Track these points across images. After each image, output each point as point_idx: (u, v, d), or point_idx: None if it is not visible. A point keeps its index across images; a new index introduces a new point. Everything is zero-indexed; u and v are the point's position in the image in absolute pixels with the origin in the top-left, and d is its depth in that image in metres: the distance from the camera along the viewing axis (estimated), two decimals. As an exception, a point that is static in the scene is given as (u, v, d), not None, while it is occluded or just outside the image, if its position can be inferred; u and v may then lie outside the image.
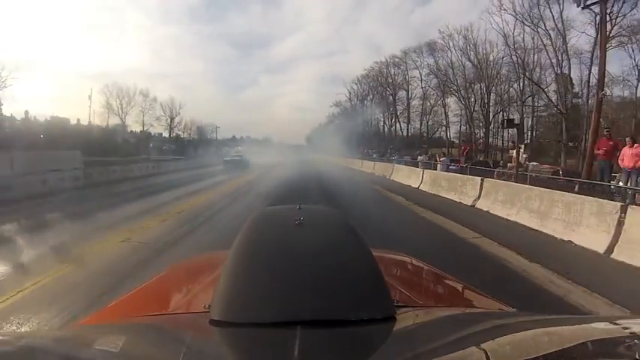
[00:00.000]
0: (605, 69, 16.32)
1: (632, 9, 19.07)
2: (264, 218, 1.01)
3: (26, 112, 31.51)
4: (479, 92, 30.33)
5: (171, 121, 40.04)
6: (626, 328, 0.67)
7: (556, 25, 24.19)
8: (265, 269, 0.78)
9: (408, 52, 34.04)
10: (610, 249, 4.57)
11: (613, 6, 18.40)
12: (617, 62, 22.83)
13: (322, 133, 45.21)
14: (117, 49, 63.02)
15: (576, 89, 25.13)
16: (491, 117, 30.05)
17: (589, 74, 22.90)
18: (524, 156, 11.01)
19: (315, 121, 60.23)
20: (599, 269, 4.19)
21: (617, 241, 4.56)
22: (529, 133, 28.04)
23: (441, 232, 6.30)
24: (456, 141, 31.73)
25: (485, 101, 30.03)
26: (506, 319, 0.87)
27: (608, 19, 18.61)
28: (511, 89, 28.47)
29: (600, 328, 0.70)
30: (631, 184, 7.30)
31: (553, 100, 25.79)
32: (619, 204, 5.07)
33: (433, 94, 33.99)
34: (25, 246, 5.16)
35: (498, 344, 0.65)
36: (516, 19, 25.33)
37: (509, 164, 11.44)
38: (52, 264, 4.02)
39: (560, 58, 24.62)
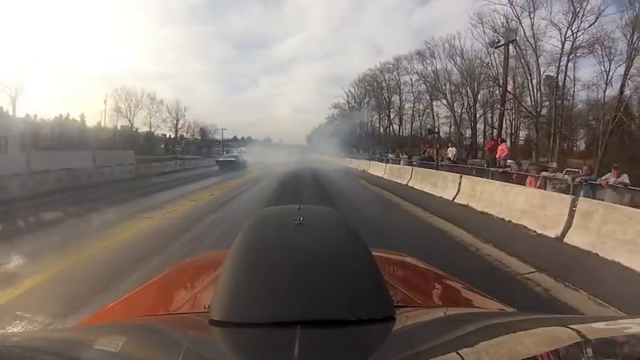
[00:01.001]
0: (506, 89, 20.42)
1: (590, 26, 22.88)
2: (264, 218, 1.00)
3: (61, 115, 34.57)
4: (466, 96, 31.94)
5: (176, 123, 41.77)
6: (626, 328, 0.66)
7: (526, 38, 27.53)
8: (265, 269, 0.77)
9: (400, 59, 35.89)
10: (454, 197, 9.25)
11: (574, 23, 22.49)
12: (589, 68, 26.04)
13: (322, 133, 46.08)
14: (117, 50, 63.23)
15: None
16: (479, 117, 32.62)
17: (557, 81, 26.37)
18: (453, 152, 16.26)
19: (316, 122, 60.41)
20: (446, 205, 8.86)
21: (458, 193, 9.23)
22: (510, 133, 29.87)
23: (379, 198, 10.93)
24: (447, 141, 34.92)
25: (471, 104, 31.59)
26: (506, 319, 0.86)
27: (570, 33, 22.48)
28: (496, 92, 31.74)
29: (600, 328, 0.69)
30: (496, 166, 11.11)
31: (524, 105, 27.87)
32: (463, 175, 9.80)
33: (424, 98, 35.77)
34: (136, 204, 8.69)
35: (498, 344, 0.65)
36: (495, 32, 28.78)
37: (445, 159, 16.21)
38: (166, 208, 7.68)
39: (528, 66, 26.68)
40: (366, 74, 39.92)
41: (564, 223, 5.30)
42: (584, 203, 5.32)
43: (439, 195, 9.94)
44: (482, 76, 29.61)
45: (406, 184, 12.97)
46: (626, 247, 4.17)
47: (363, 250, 0.84)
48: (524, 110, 27.83)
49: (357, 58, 59.90)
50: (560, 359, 0.56)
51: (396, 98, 38.24)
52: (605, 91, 23.57)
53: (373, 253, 0.87)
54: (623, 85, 22.72)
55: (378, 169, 18.40)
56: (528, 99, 27.27)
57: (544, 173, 9.19)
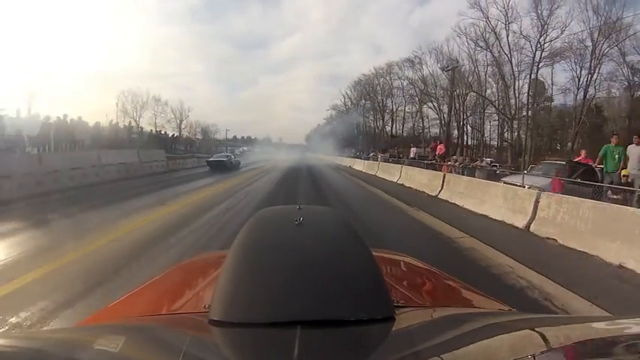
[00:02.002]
0: (453, 107, 24.11)
1: (552, 41, 26.07)
2: (264, 218, 0.98)
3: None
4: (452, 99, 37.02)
5: (180, 123, 42.95)
6: (626, 328, 0.65)
7: (502, 48, 28.05)
8: (265, 269, 0.76)
9: (392, 65, 37.55)
10: (397, 180, 13.32)
11: (541, 36, 25.65)
12: (564, 74, 27.12)
13: (320, 134, 47.86)
14: (115, 49, 61.56)
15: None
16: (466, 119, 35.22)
17: (528, 87, 29.46)
18: (414, 151, 19.71)
19: (315, 121, 61.09)
20: (390, 185, 12.77)
21: (400, 177, 13.40)
22: (499, 134, 31.71)
23: (353, 184, 14.25)
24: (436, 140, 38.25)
25: (458, 107, 34.07)
26: (505, 319, 0.85)
27: (539, 46, 25.66)
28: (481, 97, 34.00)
29: (600, 328, 0.68)
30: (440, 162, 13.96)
31: (499, 109, 29.41)
32: (403, 166, 14.32)
33: (415, 102, 37.17)
34: (185, 186, 11.36)
35: (498, 344, 0.63)
36: (475, 44, 29.58)
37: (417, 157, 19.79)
38: (207, 189, 10.89)
39: (503, 74, 28.61)
40: (360, 79, 41.67)
41: (440, 188, 9.58)
42: (449, 177, 9.62)
43: (390, 179, 14.20)
44: (470, 79, 31.29)
45: (374, 174, 17.16)
46: (459, 195, 8.39)
47: (363, 250, 0.83)
48: (500, 113, 31.02)
49: (356, 57, 61.40)
50: (560, 359, 0.55)
51: (389, 101, 39.61)
52: (576, 95, 25.55)
53: (373, 253, 0.85)
54: (586, 91, 25.84)
55: (359, 165, 23.02)
56: (513, 101, 29.05)
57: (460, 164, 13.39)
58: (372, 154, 26.15)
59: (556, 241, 4.95)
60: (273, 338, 0.65)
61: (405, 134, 38.49)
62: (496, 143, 33.11)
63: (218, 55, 64.78)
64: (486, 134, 33.91)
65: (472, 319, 0.83)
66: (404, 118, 39.57)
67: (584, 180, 6.37)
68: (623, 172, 6.93)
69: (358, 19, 64.16)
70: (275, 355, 0.61)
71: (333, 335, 0.66)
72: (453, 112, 29.19)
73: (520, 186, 6.87)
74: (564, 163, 8.90)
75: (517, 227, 5.78)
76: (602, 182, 6.71)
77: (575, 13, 24.37)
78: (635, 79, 23.22)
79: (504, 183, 7.67)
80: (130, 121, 39.20)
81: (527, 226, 5.63)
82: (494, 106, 30.19)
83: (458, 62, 25.76)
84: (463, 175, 9.99)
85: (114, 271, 3.55)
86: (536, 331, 0.67)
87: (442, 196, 9.06)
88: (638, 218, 4.05)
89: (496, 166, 19.34)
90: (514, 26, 26.65)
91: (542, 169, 9.21)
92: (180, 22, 67.53)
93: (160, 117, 41.82)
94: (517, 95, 28.70)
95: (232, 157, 21.39)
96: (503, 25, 27.24)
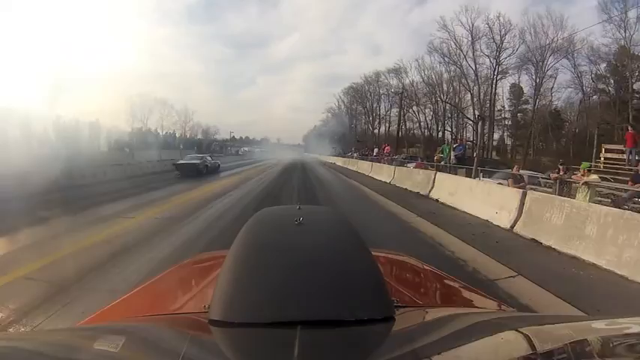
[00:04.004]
0: (401, 124, 28.08)
1: (506, 57, 29.37)
2: (264, 218, 0.96)
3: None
4: (434, 104, 37.27)
5: (185, 125, 44.06)
6: (626, 328, 0.65)
7: (467, 62, 30.60)
8: (265, 269, 0.74)
9: (379, 74, 39.99)
10: (370, 170, 16.21)
11: (500, 54, 30.00)
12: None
13: (316, 134, 50.18)
14: (113, 49, 59.38)
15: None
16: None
17: (491, 94, 32.41)
18: (377, 151, 22.57)
19: (313, 122, 60.96)
20: (361, 176, 15.73)
21: (357, 167, 19.49)
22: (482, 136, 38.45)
23: (326, 170, 20.35)
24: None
25: (439, 112, 36.51)
26: (505, 319, 0.84)
27: (495, 63, 30.24)
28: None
29: (600, 328, 0.68)
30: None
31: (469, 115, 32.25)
32: (373, 163, 17.38)
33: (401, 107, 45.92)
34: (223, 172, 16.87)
35: (498, 344, 0.63)
36: (445, 58, 32.17)
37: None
38: (249, 170, 19.30)
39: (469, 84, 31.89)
40: (350, 87, 44.38)
41: (392, 177, 12.17)
42: (397, 169, 12.63)
43: (351, 168, 19.14)
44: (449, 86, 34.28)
45: (344, 166, 22.89)
46: (407, 180, 10.94)
47: (363, 250, 0.81)
48: (467, 117, 36.00)
49: (354, 57, 58.82)
50: (560, 359, 0.54)
51: (378, 105, 42.46)
52: (534, 104, 28.32)
53: (373, 253, 0.83)
54: (535, 100, 30.18)
55: (339, 161, 27.63)
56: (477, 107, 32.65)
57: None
58: (349, 153, 30.41)
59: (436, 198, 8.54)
60: (273, 338, 0.64)
61: (388, 136, 40.69)
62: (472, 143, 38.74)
63: (215, 56, 61.58)
64: (467, 135, 38.62)
65: (472, 319, 0.81)
66: (389, 122, 44.46)
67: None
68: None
69: (356, 19, 64.50)
70: (275, 355, 0.59)
71: (333, 335, 0.64)
72: (401, 128, 32.73)
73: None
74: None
75: (421, 194, 9.48)
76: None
77: (524, 35, 29.52)
78: (586, 85, 25.94)
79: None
80: (141, 125, 39.97)
81: (389, 182, 12.17)
82: (463, 114, 35.22)
83: (405, 89, 32.32)
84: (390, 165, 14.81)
85: (216, 198, 8.01)
86: (536, 331, 0.66)
87: (371, 174, 15.34)
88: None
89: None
90: (478, 44, 32.04)
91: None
92: (177, 23, 65.11)
93: (166, 119, 42.54)
94: (480, 102, 31.70)
95: (208, 158, 16.93)
96: (469, 43, 32.72)
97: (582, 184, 5.61)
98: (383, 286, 0.76)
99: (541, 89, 28.89)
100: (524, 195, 5.35)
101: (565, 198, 5.03)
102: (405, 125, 44.55)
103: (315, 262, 0.76)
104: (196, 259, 1.67)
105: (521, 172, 8.00)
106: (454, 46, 32.34)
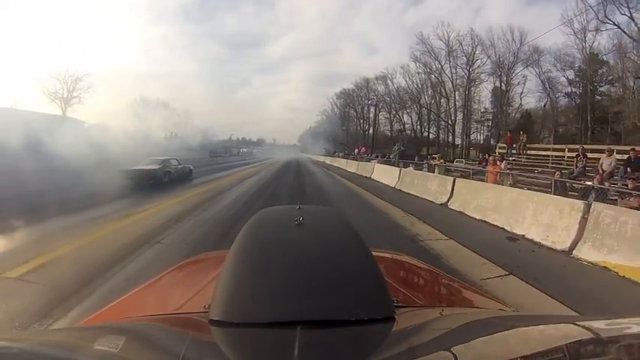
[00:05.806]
0: (375, 134, 32.13)
1: (476, 68, 30.94)
2: (264, 218, 0.94)
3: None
4: (421, 107, 38.12)
5: (185, 127, 43.83)
6: (626, 328, 0.63)
7: (444, 71, 32.16)
8: (265, 269, 0.72)
9: (368, 81, 41.42)
10: (339, 165, 22.35)
11: (472, 65, 32.22)
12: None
13: (310, 136, 51.31)
14: (109, 48, 58.39)
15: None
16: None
17: (465, 100, 32.23)
18: (362, 150, 23.44)
19: (308, 122, 59.58)
20: (344, 171, 18.50)
21: (340, 164, 23.10)
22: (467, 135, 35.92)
23: (316, 166, 24.24)
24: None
25: (424, 115, 37.91)
26: (505, 319, 0.83)
27: (468, 73, 33.22)
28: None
29: (600, 328, 0.66)
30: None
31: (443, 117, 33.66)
32: (357, 161, 19.06)
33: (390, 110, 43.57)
34: (240, 166, 21.83)
35: (498, 344, 0.61)
36: (425, 68, 33.55)
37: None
38: (256, 166, 22.76)
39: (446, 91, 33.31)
40: (342, 91, 45.89)
41: (373, 172, 13.64)
42: (360, 164, 16.85)
43: (335, 165, 21.63)
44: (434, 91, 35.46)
45: (330, 163, 24.97)
46: (363, 170, 15.32)
47: (363, 250, 0.79)
48: (442, 120, 35.11)
49: (349, 57, 57.41)
50: (559, 359, 0.52)
51: (369, 109, 43.85)
52: (500, 108, 29.97)
53: (373, 253, 0.81)
54: (504, 103, 31.05)
55: (328, 160, 29.54)
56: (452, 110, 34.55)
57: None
58: (335, 153, 32.85)
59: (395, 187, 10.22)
60: (273, 338, 0.62)
61: (377, 137, 42.06)
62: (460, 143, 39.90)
63: (210, 56, 59.36)
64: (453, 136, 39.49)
65: (472, 320, 0.79)
66: (377, 124, 46.89)
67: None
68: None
69: (352, 18, 62.24)
70: (275, 355, 0.58)
71: (333, 335, 0.62)
72: (375, 135, 36.67)
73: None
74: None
75: (365, 176, 13.54)
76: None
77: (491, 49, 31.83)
78: (550, 89, 27.93)
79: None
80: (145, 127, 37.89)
81: (354, 172, 16.35)
82: (439, 117, 35.98)
83: (387, 97, 35.24)
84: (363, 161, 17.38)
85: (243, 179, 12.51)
86: (536, 331, 0.64)
87: (347, 168, 18.06)
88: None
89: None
90: (452, 56, 34.45)
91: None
92: (172, 22, 62.19)
93: (168, 121, 41.48)
94: (455, 106, 34.29)
95: (173, 162, 11.79)
96: (446, 54, 35.39)
97: (434, 164, 10.18)
98: (383, 286, 0.73)
99: (510, 94, 31.39)
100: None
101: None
102: (392, 127, 48.48)
103: (315, 262, 0.73)
104: (196, 259, 1.61)
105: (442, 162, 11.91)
106: (432, 58, 34.12)
